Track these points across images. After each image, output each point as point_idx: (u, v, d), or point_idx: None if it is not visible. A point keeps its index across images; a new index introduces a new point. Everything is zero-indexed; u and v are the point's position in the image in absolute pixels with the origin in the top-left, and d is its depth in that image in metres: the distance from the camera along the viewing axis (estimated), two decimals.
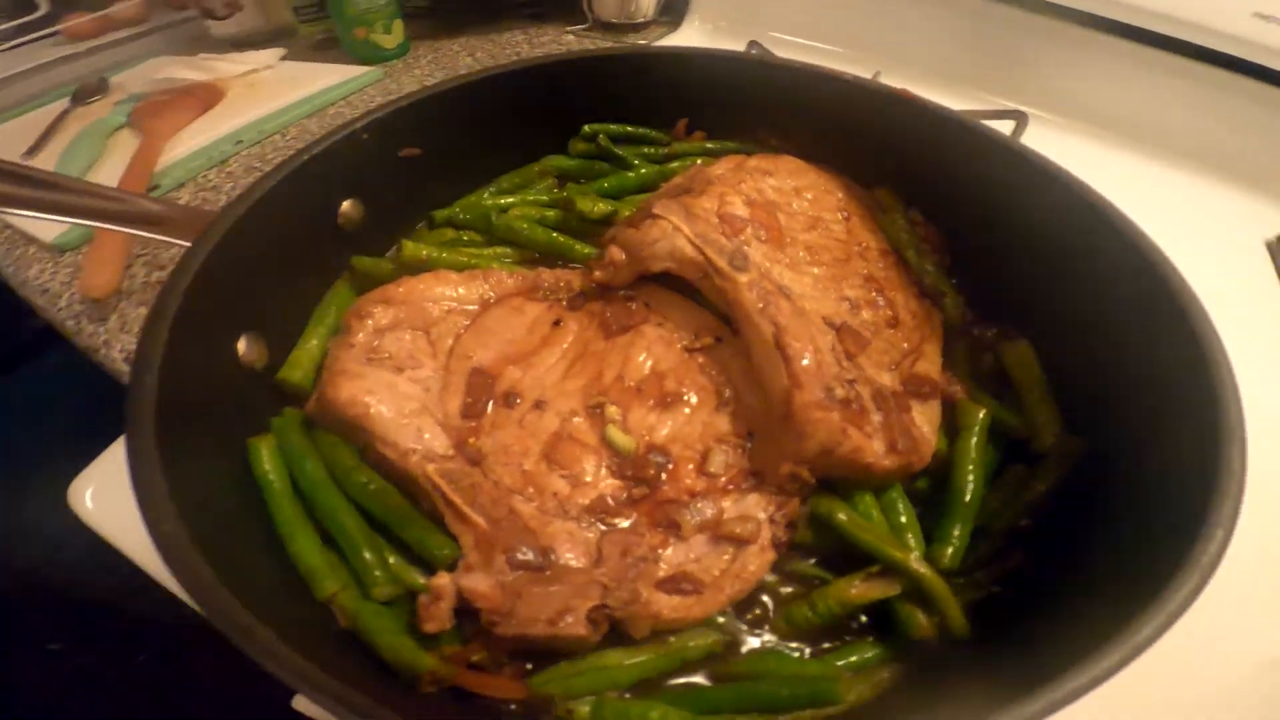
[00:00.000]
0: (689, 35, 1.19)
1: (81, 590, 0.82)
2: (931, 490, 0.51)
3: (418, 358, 0.55)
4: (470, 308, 0.59)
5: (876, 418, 0.48)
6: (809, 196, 0.64)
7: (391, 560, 0.45)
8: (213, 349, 0.48)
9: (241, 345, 0.51)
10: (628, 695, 0.42)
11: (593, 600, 0.42)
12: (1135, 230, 0.52)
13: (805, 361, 0.48)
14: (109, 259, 0.72)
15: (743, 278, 0.53)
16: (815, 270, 0.58)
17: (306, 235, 0.59)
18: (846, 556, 0.47)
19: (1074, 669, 0.31)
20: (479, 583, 0.42)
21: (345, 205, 0.63)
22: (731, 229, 0.57)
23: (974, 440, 0.50)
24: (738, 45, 1.11)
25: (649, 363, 0.55)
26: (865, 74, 1.04)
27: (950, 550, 0.46)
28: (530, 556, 0.43)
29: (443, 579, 0.42)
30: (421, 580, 0.45)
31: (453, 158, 0.70)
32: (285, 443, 0.48)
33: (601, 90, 0.72)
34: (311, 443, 0.49)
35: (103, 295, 0.70)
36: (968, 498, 0.48)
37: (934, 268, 0.63)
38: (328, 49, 1.30)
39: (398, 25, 1.22)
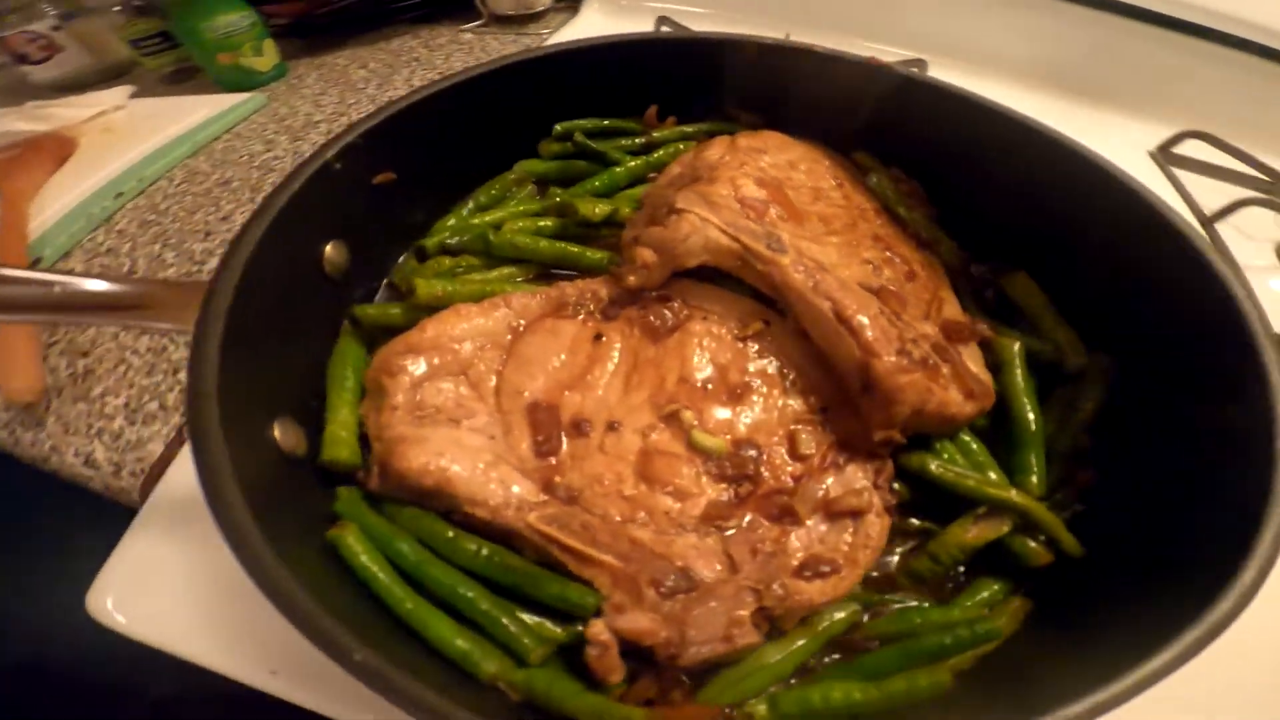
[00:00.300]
0: (590, 19, 1.16)
1: (93, 676, 0.74)
2: (991, 427, 0.55)
3: (467, 405, 0.51)
4: (501, 339, 0.55)
5: (946, 369, 0.50)
6: (803, 169, 0.65)
7: (529, 620, 0.42)
8: (256, 445, 0.42)
9: (277, 433, 0.45)
10: (793, 682, 0.43)
11: (751, 606, 0.42)
12: (1095, 155, 0.58)
13: (871, 332, 0.49)
14: (26, 356, 0.61)
15: (785, 259, 0.53)
16: (834, 240, 0.60)
17: (298, 292, 0.53)
18: (930, 503, 0.50)
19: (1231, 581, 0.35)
20: (638, 621, 0.40)
21: (329, 250, 0.56)
22: (756, 213, 0.57)
23: (1018, 372, 0.54)
24: (644, 24, 1.09)
25: (706, 359, 0.54)
26: (776, 36, 1.08)
27: (1034, 479, 0.49)
28: (677, 581, 0.42)
29: (598, 627, 0.40)
30: (561, 631, 0.42)
31: (425, 178, 0.64)
32: (365, 527, 0.43)
33: (564, 87, 0.69)
34: (391, 520, 0.44)
35: (35, 398, 0.59)
36: (1033, 427, 0.52)
37: (924, 218, 0.66)
38: (183, 80, 1.16)
39: (269, 46, 1.10)
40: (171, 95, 1.10)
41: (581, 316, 0.57)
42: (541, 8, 1.15)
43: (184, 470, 0.55)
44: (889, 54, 1.06)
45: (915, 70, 0.91)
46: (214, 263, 0.76)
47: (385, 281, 0.63)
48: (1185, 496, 0.44)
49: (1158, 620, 0.37)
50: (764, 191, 0.59)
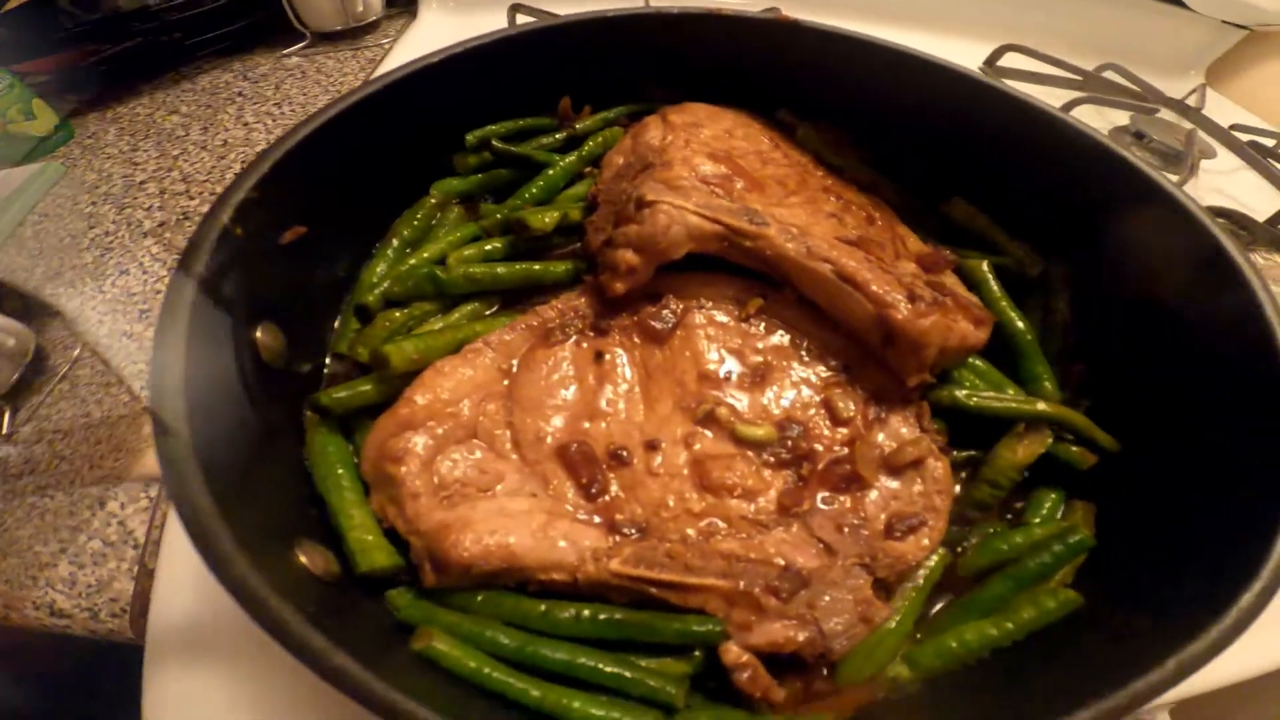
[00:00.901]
0: (433, 20, 1.06)
1: None
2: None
3: (492, 470, 0.45)
4: (497, 387, 0.49)
5: (950, 301, 0.52)
6: (740, 135, 0.64)
7: (653, 665, 0.38)
8: (293, 582, 0.34)
9: (304, 560, 0.37)
10: (918, 637, 0.43)
11: (868, 581, 0.41)
12: (1003, 86, 0.62)
13: (878, 285, 0.49)
14: None
15: (770, 230, 0.51)
16: (795, 200, 0.59)
17: (250, 398, 0.43)
18: (957, 431, 0.52)
19: None
20: (772, 633, 0.39)
21: (260, 336, 0.47)
22: (723, 189, 0.54)
23: (995, 288, 0.58)
24: (496, 17, 1.02)
25: (717, 349, 0.52)
26: (637, 1, 1.06)
27: (1048, 384, 0.53)
28: (790, 581, 0.40)
29: (734, 652, 0.38)
30: (686, 664, 0.39)
31: (336, 224, 0.55)
32: (447, 627, 0.37)
33: (465, 93, 0.62)
34: (465, 610, 0.39)
35: None
36: (1028, 335, 0.55)
37: (858, 162, 0.68)
38: None
39: (40, 106, 0.89)
40: None
41: (573, 338, 0.52)
42: (373, 17, 1.04)
43: (170, 598, 0.48)
44: (747, 3, 1.08)
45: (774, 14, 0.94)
46: None
47: (330, 354, 0.54)
48: (1180, 369, 0.49)
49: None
50: (720, 166, 0.57)
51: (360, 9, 1.01)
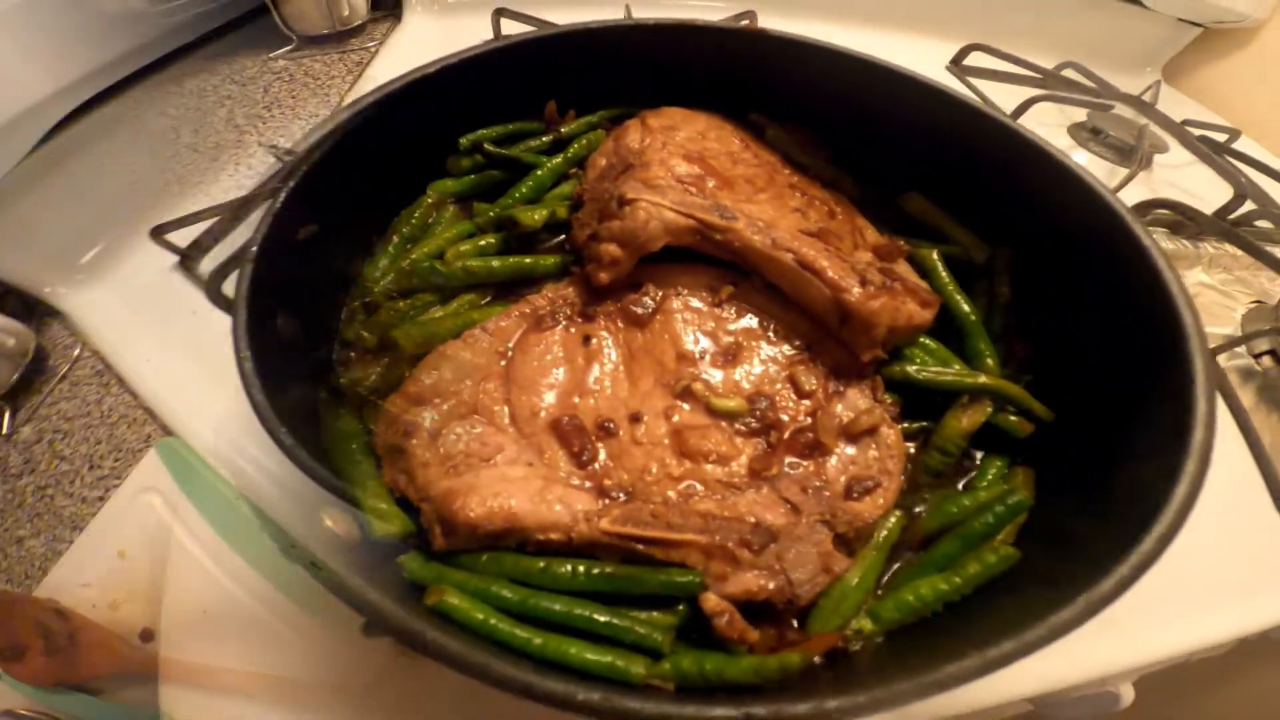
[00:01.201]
0: (418, 24, 1.10)
1: None
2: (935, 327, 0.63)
3: (492, 442, 0.50)
4: (494, 368, 0.54)
5: (899, 285, 0.57)
6: (712, 137, 0.69)
7: (642, 616, 0.43)
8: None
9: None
10: (879, 593, 0.48)
11: (829, 536, 0.46)
12: (953, 91, 0.68)
13: (833, 271, 0.55)
14: None
15: (738, 224, 0.57)
16: (763, 197, 0.64)
17: (267, 384, 0.47)
18: (911, 405, 0.58)
19: None
20: (746, 582, 0.43)
21: (277, 322, 0.51)
22: (696, 187, 0.60)
23: (944, 274, 0.63)
24: (479, 19, 1.06)
25: (693, 331, 0.57)
26: (616, 13, 1.10)
27: (990, 360, 0.58)
28: (760, 536, 0.45)
29: (713, 600, 0.43)
30: (672, 616, 0.44)
31: (341, 222, 0.60)
32: (456, 585, 0.42)
33: (458, 100, 0.66)
34: (470, 570, 0.44)
35: None
36: (973, 316, 0.61)
37: (822, 161, 0.73)
38: None
39: None
40: None
41: (563, 324, 0.57)
42: (358, 21, 1.07)
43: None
44: (719, 10, 1.13)
45: (747, 21, 0.98)
46: None
47: (338, 341, 0.58)
48: (1105, 345, 0.55)
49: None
50: (694, 166, 0.62)
51: (346, 13, 1.04)
